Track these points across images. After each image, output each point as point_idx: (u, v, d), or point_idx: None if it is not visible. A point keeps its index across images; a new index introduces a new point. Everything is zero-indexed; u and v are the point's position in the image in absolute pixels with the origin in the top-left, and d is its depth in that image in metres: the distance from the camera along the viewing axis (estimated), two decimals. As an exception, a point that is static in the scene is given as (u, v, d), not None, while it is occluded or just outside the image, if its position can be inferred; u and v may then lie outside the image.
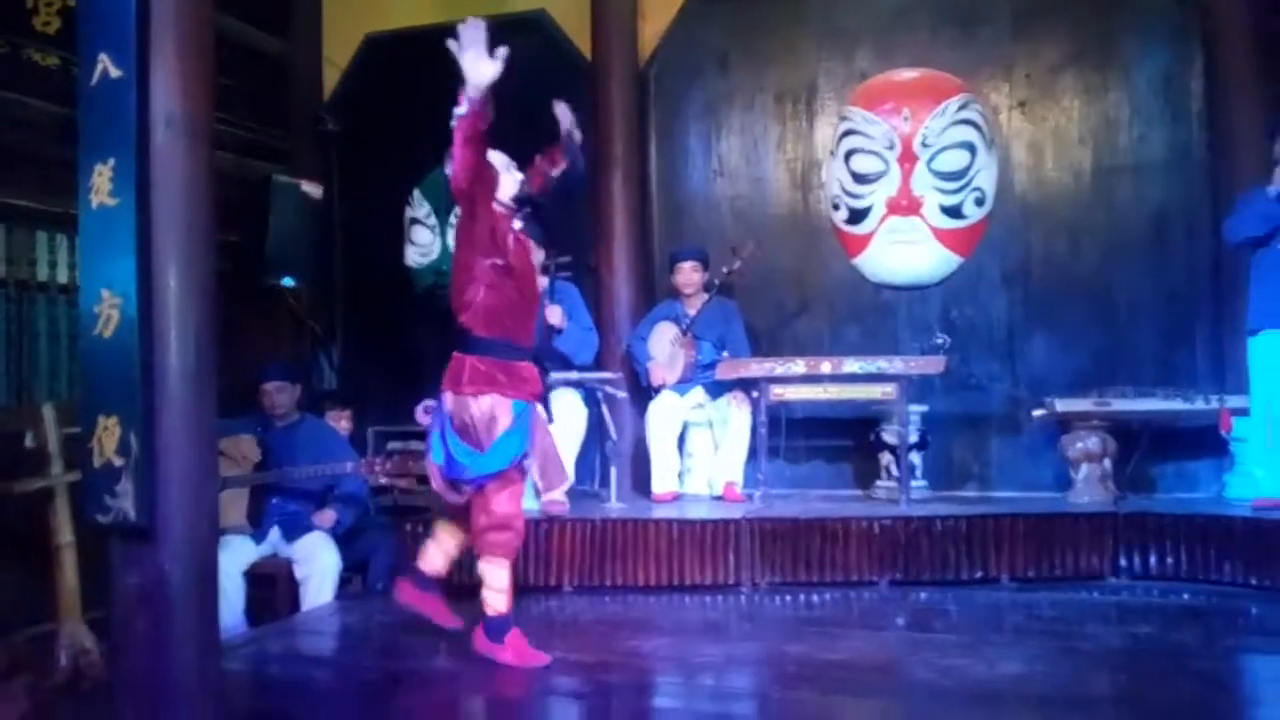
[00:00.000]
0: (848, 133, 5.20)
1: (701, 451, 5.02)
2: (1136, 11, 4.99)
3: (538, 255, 3.97)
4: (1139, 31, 4.98)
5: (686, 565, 4.03)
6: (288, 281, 5.74)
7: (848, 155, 5.19)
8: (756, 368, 4.58)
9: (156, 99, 2.51)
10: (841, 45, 5.38)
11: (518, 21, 5.62)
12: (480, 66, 2.72)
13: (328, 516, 4.25)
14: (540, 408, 3.21)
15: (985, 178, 5.05)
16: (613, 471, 4.63)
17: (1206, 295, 4.82)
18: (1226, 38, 4.76)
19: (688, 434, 5.02)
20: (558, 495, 3.71)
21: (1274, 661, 3.17)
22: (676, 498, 4.79)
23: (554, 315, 4.56)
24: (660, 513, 4.34)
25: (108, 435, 2.49)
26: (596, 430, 4.75)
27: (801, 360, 4.53)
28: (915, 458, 4.64)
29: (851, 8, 5.38)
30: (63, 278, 4.85)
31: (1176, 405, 4.37)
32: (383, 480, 4.34)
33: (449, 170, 2.94)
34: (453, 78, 2.78)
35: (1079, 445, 4.41)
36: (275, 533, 4.22)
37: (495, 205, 3.06)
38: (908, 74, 5.19)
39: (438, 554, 3.29)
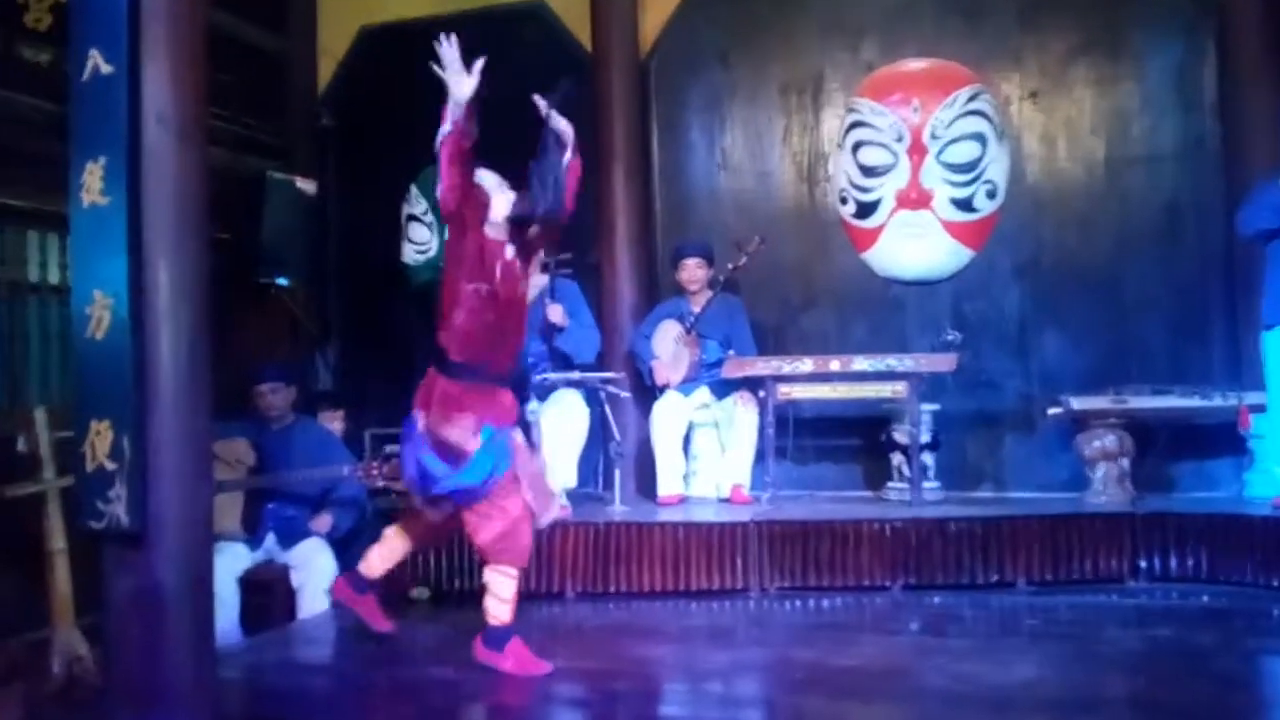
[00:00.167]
0: (855, 124, 5.12)
1: (707, 453, 4.95)
2: (1148, 1, 4.92)
3: (533, 282, 3.84)
4: (1151, 21, 4.91)
5: (693, 570, 3.96)
6: (282, 280, 5.68)
7: (855, 147, 5.11)
8: (763, 366, 4.53)
9: (148, 95, 2.51)
10: (847, 35, 5.31)
11: (516, 13, 5.58)
12: (461, 83, 2.78)
13: (324, 521, 4.18)
14: (521, 435, 3.11)
15: (996, 169, 4.97)
16: (616, 474, 4.56)
17: (1220, 289, 4.75)
18: (1240, 27, 4.70)
19: (693, 435, 4.95)
20: (543, 523, 3.62)
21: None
22: (682, 500, 4.73)
23: (555, 313, 4.50)
24: (665, 516, 4.28)
25: (100, 440, 2.49)
26: (599, 431, 4.67)
27: (809, 358, 4.49)
28: (927, 458, 4.57)
29: (856, -3, 5.32)
30: (54, 278, 4.80)
31: (1195, 403, 4.30)
32: (380, 483, 4.26)
33: (438, 193, 2.91)
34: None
35: (1096, 444, 4.32)
36: (271, 538, 4.15)
37: (487, 229, 2.99)
38: (916, 64, 5.11)
39: (379, 558, 3.27)
